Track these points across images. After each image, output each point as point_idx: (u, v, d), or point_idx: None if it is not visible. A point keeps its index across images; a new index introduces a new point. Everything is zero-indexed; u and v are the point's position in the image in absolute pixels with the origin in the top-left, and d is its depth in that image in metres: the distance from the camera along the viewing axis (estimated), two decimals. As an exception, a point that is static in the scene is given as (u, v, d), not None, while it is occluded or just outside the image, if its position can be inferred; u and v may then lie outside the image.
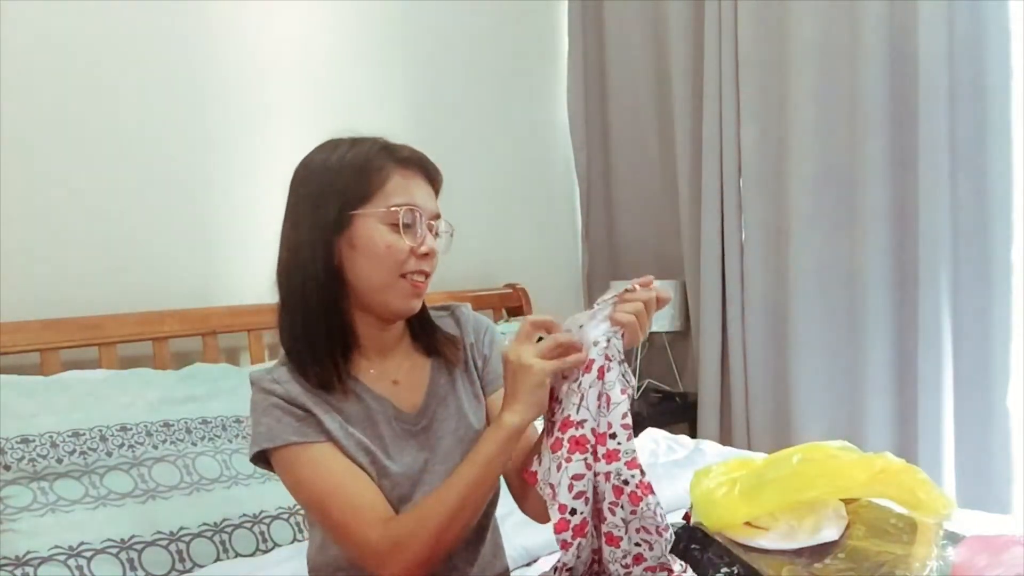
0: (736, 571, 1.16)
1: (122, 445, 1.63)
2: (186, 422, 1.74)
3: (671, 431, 2.49)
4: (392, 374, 1.19)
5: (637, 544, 1.03)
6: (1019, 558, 1.15)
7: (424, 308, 1.21)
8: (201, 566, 1.57)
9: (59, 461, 1.56)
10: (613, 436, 1.02)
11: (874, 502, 1.27)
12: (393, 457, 1.13)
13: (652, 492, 1.02)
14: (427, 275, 1.14)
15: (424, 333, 1.23)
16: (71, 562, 1.46)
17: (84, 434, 1.61)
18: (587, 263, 3.23)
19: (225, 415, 1.80)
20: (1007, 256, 2.17)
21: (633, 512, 1.01)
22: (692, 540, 1.23)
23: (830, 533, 1.20)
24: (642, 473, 1.02)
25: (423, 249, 1.11)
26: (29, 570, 1.43)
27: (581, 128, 3.15)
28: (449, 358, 1.22)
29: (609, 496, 1.01)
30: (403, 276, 1.11)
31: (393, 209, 1.10)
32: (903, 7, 2.29)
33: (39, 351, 1.80)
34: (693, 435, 2.70)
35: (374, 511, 1.07)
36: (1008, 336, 2.17)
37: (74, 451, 1.58)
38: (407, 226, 1.11)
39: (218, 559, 1.60)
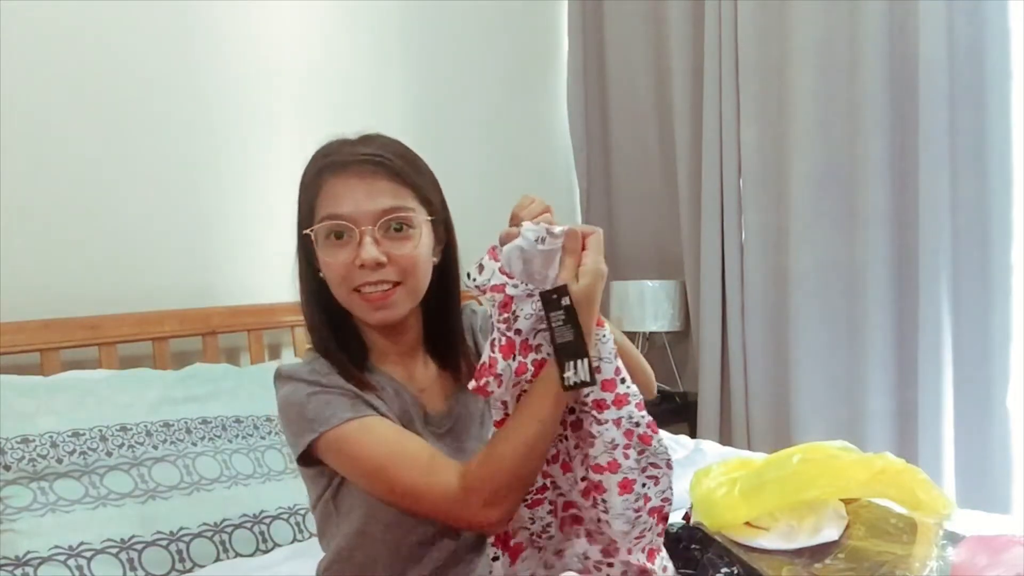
0: (736, 571, 1.16)
1: (122, 445, 1.63)
2: (186, 422, 1.74)
3: (671, 431, 2.49)
4: (419, 382, 1.17)
5: (644, 484, 1.02)
6: (1019, 558, 1.15)
7: (447, 313, 1.17)
8: (201, 566, 1.57)
9: (59, 461, 1.56)
10: (623, 380, 1.01)
11: (874, 502, 1.27)
12: None
13: (657, 430, 1.02)
14: (393, 283, 1.07)
15: (438, 343, 1.19)
16: (71, 562, 1.46)
17: (84, 434, 1.61)
18: (587, 263, 3.22)
19: (225, 415, 1.80)
20: (1007, 256, 2.17)
21: (641, 452, 1.01)
22: (692, 540, 1.23)
23: (830, 533, 1.20)
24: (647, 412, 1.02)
25: (358, 261, 1.04)
26: (29, 570, 1.43)
27: (581, 128, 3.15)
28: (460, 371, 1.18)
29: (621, 441, 1.00)
30: (356, 291, 1.07)
31: (317, 226, 1.06)
32: (903, 8, 2.29)
33: (39, 351, 1.80)
34: (693, 435, 2.70)
35: (446, 464, 1.04)
36: (1008, 336, 2.17)
37: (74, 451, 1.58)
38: (339, 238, 1.06)
39: (218, 559, 1.60)
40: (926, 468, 1.52)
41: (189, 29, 2.14)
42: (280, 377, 1.12)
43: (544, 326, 0.98)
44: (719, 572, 1.16)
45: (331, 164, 1.07)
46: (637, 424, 1.00)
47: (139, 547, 1.53)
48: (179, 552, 1.56)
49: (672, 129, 2.91)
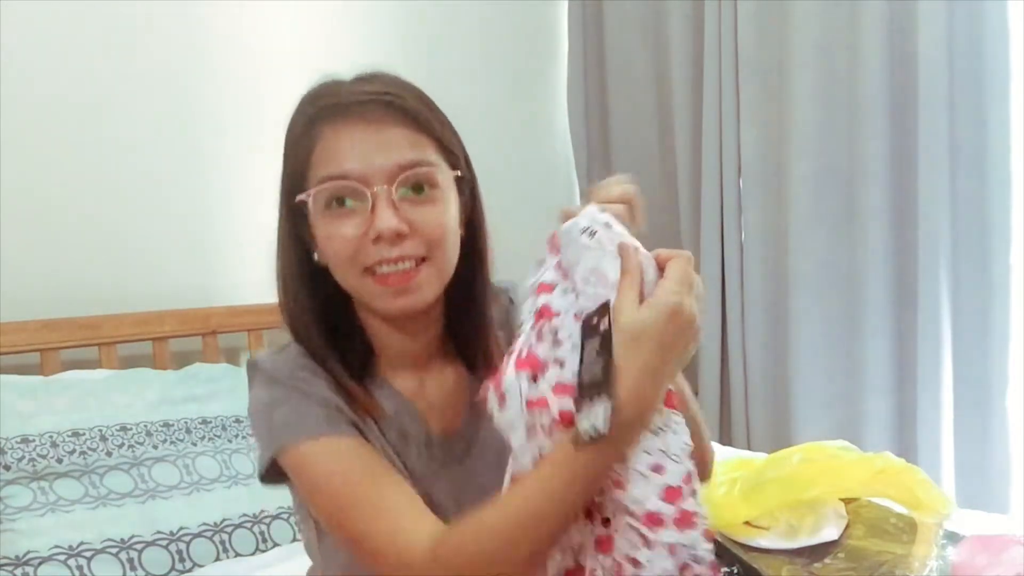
0: (736, 571, 1.16)
1: (122, 445, 1.63)
2: (186, 422, 1.74)
3: (671, 431, 2.48)
4: (429, 392, 0.94)
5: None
6: (1019, 558, 1.15)
7: (474, 302, 0.92)
8: (201, 566, 1.57)
9: (59, 461, 1.56)
10: (694, 493, 0.74)
11: (874, 502, 1.27)
12: (418, 487, 0.85)
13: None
14: (418, 259, 0.83)
15: (462, 341, 0.94)
16: (71, 562, 1.46)
17: (84, 434, 1.61)
18: (587, 263, 3.23)
19: (225, 415, 1.80)
20: (1007, 256, 2.16)
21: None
22: (692, 540, 1.23)
23: (830, 533, 1.20)
24: None
25: (372, 233, 0.81)
26: (29, 570, 1.43)
27: (581, 128, 3.15)
28: (488, 370, 0.84)
29: None
30: (369, 272, 0.84)
31: (315, 189, 0.82)
32: (903, 7, 2.29)
33: (39, 351, 1.80)
34: (693, 435, 2.69)
35: (420, 519, 0.79)
36: (1007, 336, 2.17)
37: (74, 451, 1.58)
38: (342, 205, 0.82)
39: (218, 559, 1.60)
40: (925, 468, 1.52)
41: (189, 29, 2.14)
42: (254, 370, 0.89)
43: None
44: (719, 572, 1.16)
45: (326, 109, 0.84)
46: (697, 560, 0.71)
47: (139, 547, 1.53)
48: (179, 552, 1.56)
49: (672, 129, 2.91)
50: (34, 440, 1.56)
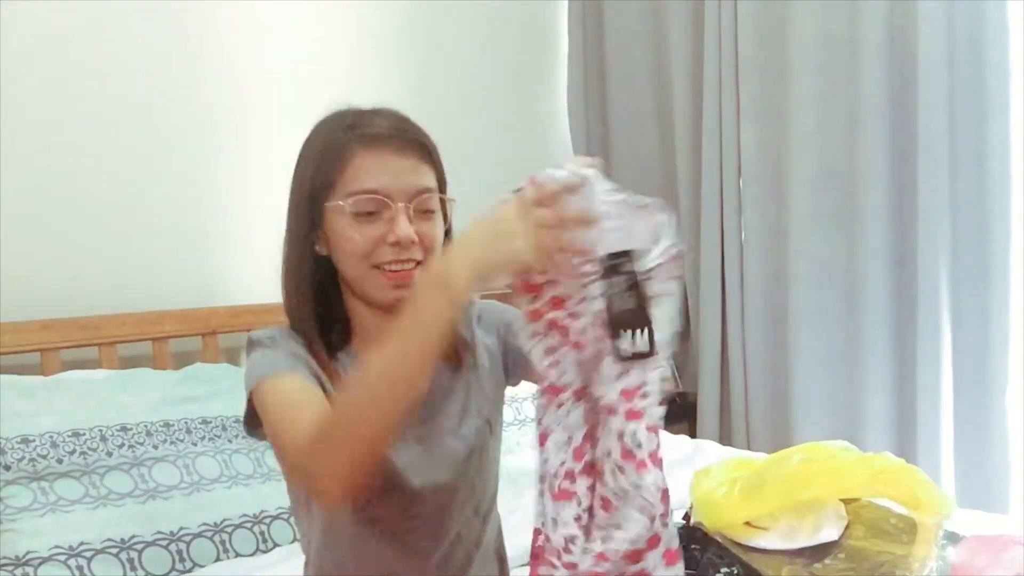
0: (736, 571, 1.16)
1: (122, 445, 1.63)
2: (186, 422, 1.74)
3: (671, 431, 2.49)
4: None
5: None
6: (1019, 558, 1.15)
7: None
8: (201, 566, 1.58)
9: (59, 461, 1.56)
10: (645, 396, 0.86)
11: (874, 502, 1.27)
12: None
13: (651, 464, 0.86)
14: (416, 262, 1.02)
15: None
16: (71, 562, 1.46)
17: (84, 434, 1.61)
18: (587, 263, 3.23)
19: (225, 415, 1.80)
20: (1006, 256, 2.17)
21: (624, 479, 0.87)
22: (692, 540, 1.24)
23: (830, 533, 1.20)
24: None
25: (391, 239, 1.00)
26: (29, 570, 1.43)
27: (581, 128, 3.15)
28: (451, 350, 1.10)
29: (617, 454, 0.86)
30: (377, 267, 1.02)
31: (351, 200, 1.00)
32: (903, 7, 2.29)
33: (39, 351, 1.80)
34: (693, 435, 2.69)
35: (318, 405, 0.94)
36: (1007, 336, 2.17)
37: (74, 451, 1.58)
38: (370, 214, 1.01)
39: (218, 559, 1.60)
40: (925, 468, 1.52)
41: (188, 29, 2.14)
42: (248, 342, 1.07)
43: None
44: (719, 572, 1.16)
45: (363, 137, 1.02)
46: (639, 446, 0.85)
47: (139, 547, 1.53)
48: (179, 552, 1.56)
49: (672, 129, 2.91)
50: (34, 440, 1.56)
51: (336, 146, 1.02)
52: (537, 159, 3.10)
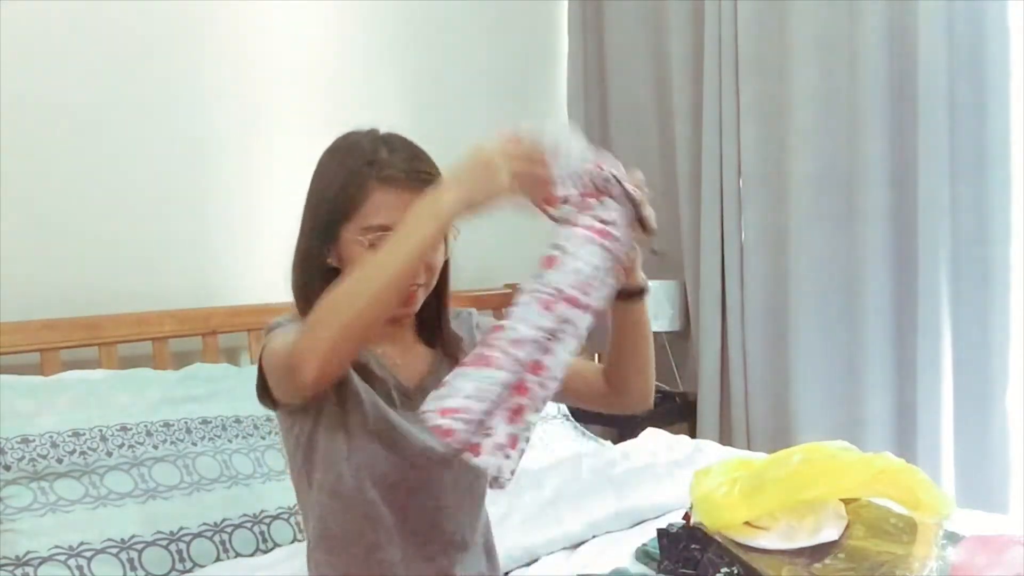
0: (736, 571, 1.16)
1: (122, 445, 1.64)
2: (186, 422, 1.74)
3: (671, 431, 2.49)
4: (395, 357, 1.21)
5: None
6: (1019, 558, 1.15)
7: (443, 304, 1.23)
8: (201, 566, 1.58)
9: (59, 461, 1.56)
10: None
11: (874, 502, 1.27)
12: (395, 415, 1.14)
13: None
14: (419, 285, 1.14)
15: (432, 325, 1.24)
16: (71, 562, 1.46)
17: (84, 434, 1.61)
18: (587, 263, 3.23)
19: (225, 415, 1.80)
20: (1006, 256, 2.17)
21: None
22: (692, 540, 1.24)
23: (830, 533, 1.20)
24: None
25: None
26: (29, 570, 1.43)
27: (581, 128, 3.15)
28: (449, 352, 1.22)
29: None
30: None
31: (369, 235, 1.10)
32: (903, 7, 2.29)
33: (39, 351, 1.80)
34: (693, 435, 2.69)
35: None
36: (1007, 336, 2.17)
37: (74, 451, 1.58)
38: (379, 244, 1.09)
39: (218, 559, 1.60)
40: (925, 468, 1.52)
41: (189, 29, 2.14)
42: (267, 329, 1.17)
43: None
44: (719, 572, 1.16)
45: (385, 177, 1.10)
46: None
47: (139, 547, 1.53)
48: (179, 552, 1.57)
49: (672, 129, 2.91)
50: (34, 440, 1.56)
51: (356, 180, 1.11)
52: (537, 159, 3.10)
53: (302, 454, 1.16)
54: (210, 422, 1.78)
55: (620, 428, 2.67)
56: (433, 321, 1.24)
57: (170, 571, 1.55)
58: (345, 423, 1.12)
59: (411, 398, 1.17)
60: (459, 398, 0.93)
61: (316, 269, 1.14)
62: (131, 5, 2.04)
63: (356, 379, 1.13)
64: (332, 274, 1.12)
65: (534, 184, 1.05)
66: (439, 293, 1.22)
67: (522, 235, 3.06)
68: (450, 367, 1.17)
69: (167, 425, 1.72)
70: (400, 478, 1.14)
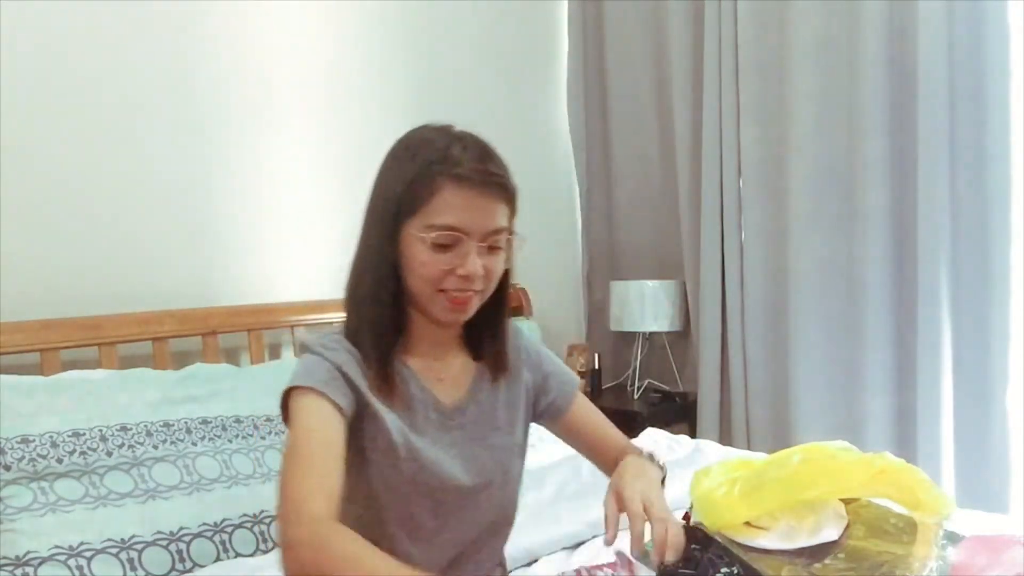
0: (736, 571, 1.16)
1: (122, 445, 1.63)
2: (186, 422, 1.74)
3: (671, 431, 2.49)
4: (439, 371, 1.18)
5: None
6: (1019, 558, 1.15)
7: (501, 316, 1.21)
8: (201, 566, 1.58)
9: (59, 461, 1.56)
10: None
11: (874, 502, 1.27)
12: (425, 441, 1.12)
13: None
14: (475, 291, 1.11)
15: (480, 336, 1.21)
16: (71, 562, 1.46)
17: (84, 434, 1.61)
18: (587, 263, 3.24)
19: (225, 415, 1.80)
20: (1006, 256, 2.17)
21: None
22: (692, 540, 1.23)
23: (830, 533, 1.20)
24: None
25: (460, 272, 1.08)
26: (29, 570, 1.43)
27: (581, 128, 3.16)
28: (496, 365, 1.20)
29: None
30: (442, 291, 1.09)
31: (433, 233, 1.07)
32: (903, 7, 2.30)
33: (39, 351, 1.80)
34: (693, 435, 2.70)
35: (323, 495, 0.98)
36: (1007, 336, 2.17)
37: (74, 451, 1.58)
38: (446, 246, 1.08)
39: (218, 559, 1.60)
40: (925, 467, 1.52)
41: (188, 30, 2.14)
42: (301, 348, 1.15)
43: None
44: (719, 572, 1.16)
45: (456, 177, 1.08)
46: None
47: (139, 547, 1.53)
48: (179, 552, 1.56)
49: (672, 129, 2.92)
50: (34, 440, 1.56)
51: (427, 176, 1.08)
52: (537, 159, 3.11)
53: None
54: (210, 422, 1.78)
55: (620, 428, 2.67)
56: (483, 332, 1.21)
57: (170, 571, 1.55)
58: (363, 450, 1.10)
59: (449, 417, 1.16)
60: None
61: (382, 274, 1.11)
62: (131, 6, 2.04)
63: (378, 404, 1.10)
64: (390, 276, 1.10)
65: None
66: (497, 304, 1.18)
67: (523, 233, 3.07)
68: (491, 387, 1.20)
69: (167, 425, 1.71)
70: (423, 511, 1.12)
